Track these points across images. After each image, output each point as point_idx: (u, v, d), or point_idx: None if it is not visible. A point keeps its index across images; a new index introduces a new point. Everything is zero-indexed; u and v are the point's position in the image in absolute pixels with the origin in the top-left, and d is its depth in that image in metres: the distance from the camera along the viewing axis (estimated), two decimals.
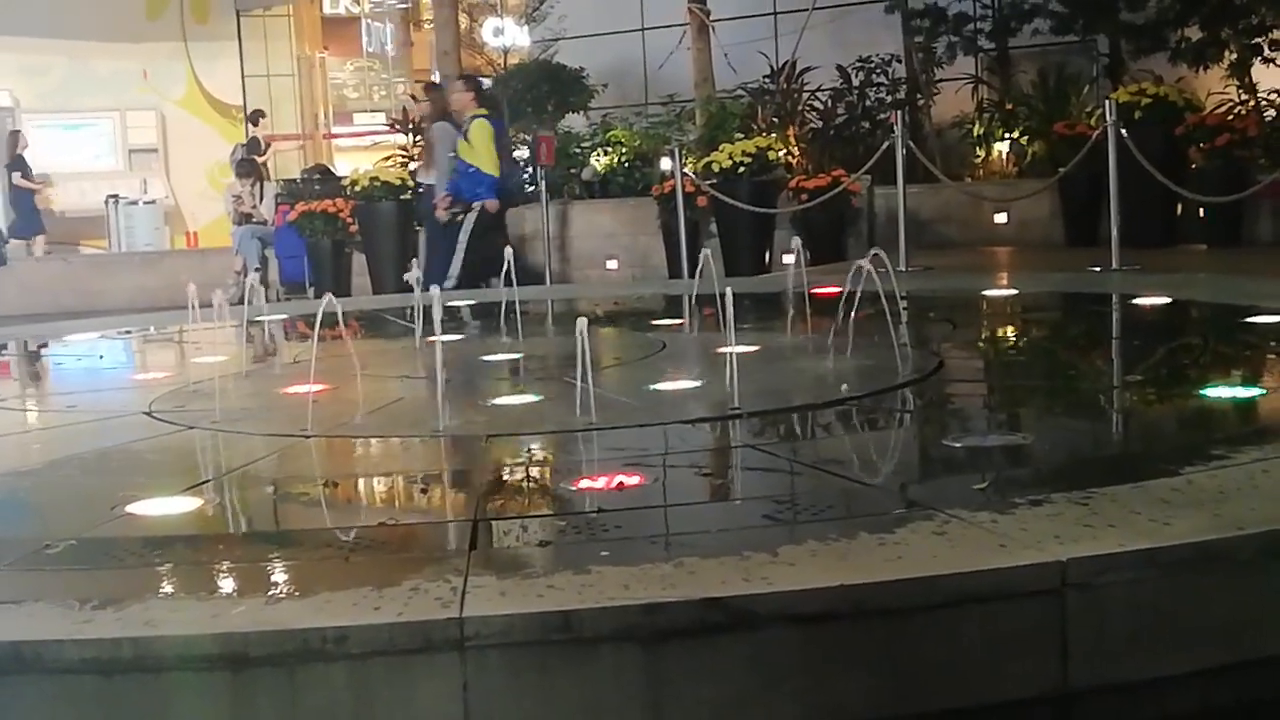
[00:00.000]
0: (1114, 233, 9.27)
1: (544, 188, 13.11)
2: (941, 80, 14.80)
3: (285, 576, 2.80)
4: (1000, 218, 12.52)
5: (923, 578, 2.51)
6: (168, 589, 2.68)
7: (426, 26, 21.14)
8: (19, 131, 18.08)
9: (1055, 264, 10.08)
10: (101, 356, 8.18)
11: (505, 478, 3.95)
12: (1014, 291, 8.49)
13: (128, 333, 9.17)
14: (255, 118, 18.79)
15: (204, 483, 3.98)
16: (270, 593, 2.58)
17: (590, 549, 2.85)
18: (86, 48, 19.37)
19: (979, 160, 14.34)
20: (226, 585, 2.71)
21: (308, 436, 4.48)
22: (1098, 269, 9.12)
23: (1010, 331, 7.52)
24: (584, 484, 3.62)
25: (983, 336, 7.23)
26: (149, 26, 20.00)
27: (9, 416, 5.79)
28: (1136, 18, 13.38)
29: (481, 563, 2.73)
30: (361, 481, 4.12)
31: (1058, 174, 10.86)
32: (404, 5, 21.86)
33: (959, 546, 2.66)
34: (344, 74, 23.49)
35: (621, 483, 3.52)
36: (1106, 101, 9.97)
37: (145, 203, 18.48)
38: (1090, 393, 5.14)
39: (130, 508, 3.48)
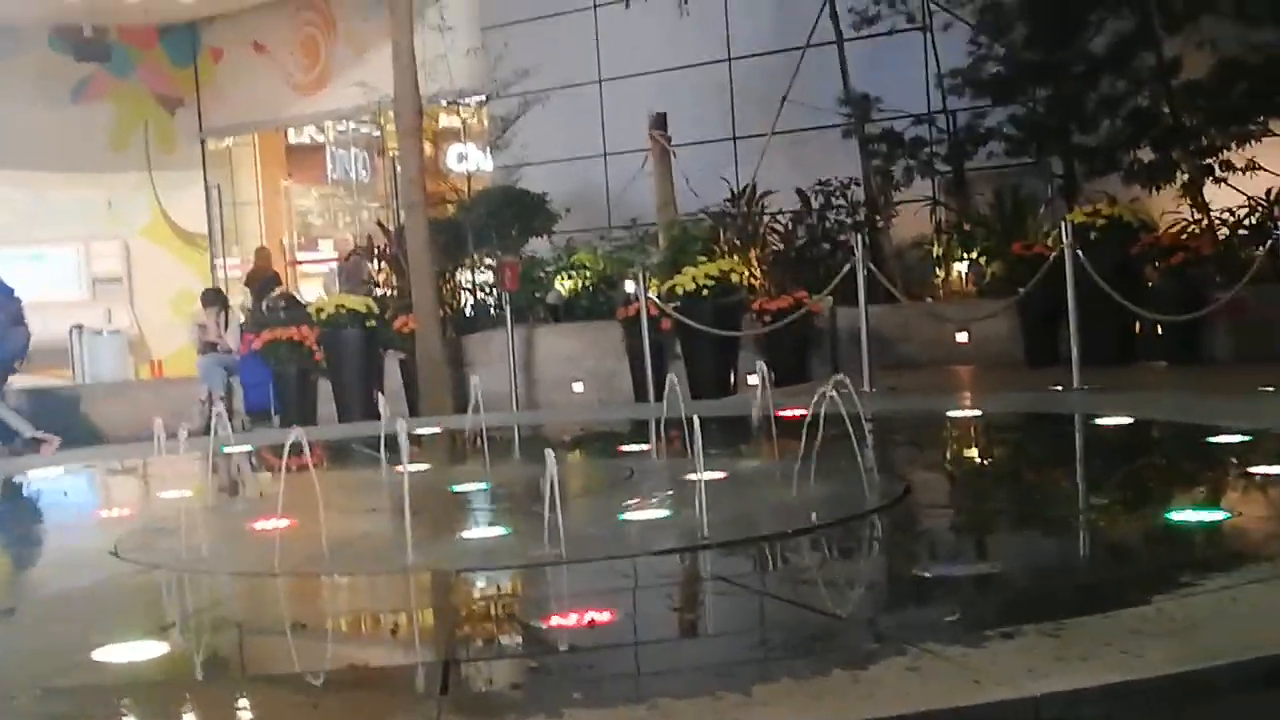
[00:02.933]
0: (1074, 351, 9.37)
1: (509, 313, 13.15)
2: (900, 202, 15.02)
3: None
4: (961, 337, 12.63)
5: (898, 716, 2.50)
6: None
7: (392, 153, 21.34)
8: None
9: (1017, 383, 10.16)
10: (65, 493, 8.12)
11: (475, 615, 3.92)
12: (977, 412, 8.55)
13: (91, 467, 9.10)
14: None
15: (170, 626, 3.94)
16: None
17: (563, 690, 2.81)
18: (50, 179, 19.47)
19: (939, 280, 14.50)
20: None
21: (275, 575, 4.44)
22: (1059, 388, 9.20)
23: (975, 453, 7.56)
24: (555, 621, 3.59)
25: (948, 459, 7.26)
26: (113, 157, 20.14)
27: None
28: (1089, 140, 13.65)
29: (453, 707, 2.70)
30: (330, 621, 4.08)
31: (1017, 294, 10.98)
32: (372, 133, 22.08)
33: (932, 683, 2.65)
34: (309, 201, 23.64)
35: (593, 620, 3.51)
36: (1063, 222, 10.11)
37: (110, 332, 18.46)
38: (1057, 517, 5.16)
39: (96, 654, 3.43)
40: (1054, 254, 10.04)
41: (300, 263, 22.74)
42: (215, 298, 15.77)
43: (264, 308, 16.39)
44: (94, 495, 8.27)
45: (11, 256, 18.83)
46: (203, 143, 20.95)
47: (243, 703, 2.98)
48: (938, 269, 14.50)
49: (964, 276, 14.41)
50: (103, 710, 2.92)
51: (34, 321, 18.72)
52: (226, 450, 8.40)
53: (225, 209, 21.00)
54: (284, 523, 5.12)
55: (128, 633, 3.65)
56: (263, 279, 17.67)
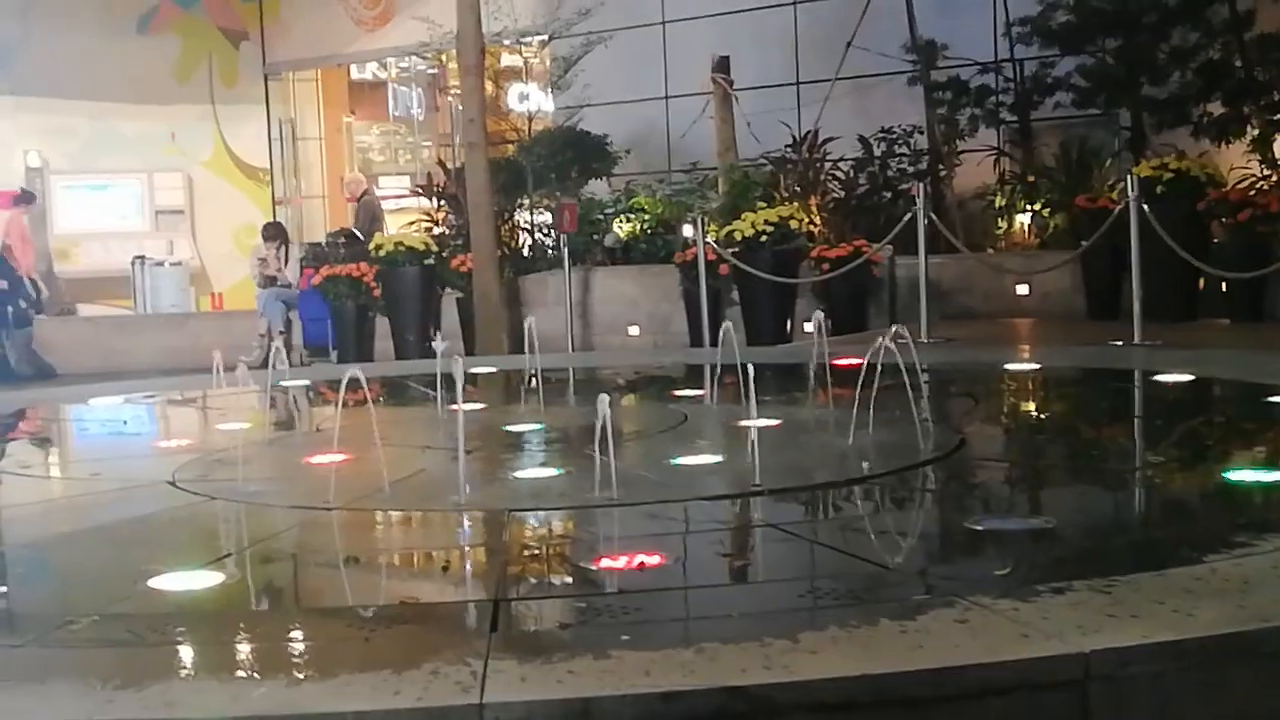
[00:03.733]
0: (1136, 306, 9.27)
1: (566, 254, 13.17)
2: (964, 152, 14.89)
3: (305, 657, 2.80)
4: (1022, 289, 12.53)
5: (945, 668, 2.50)
6: (189, 669, 2.68)
7: (453, 92, 21.33)
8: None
9: (1077, 337, 10.08)
10: (125, 422, 8.22)
11: (526, 555, 3.95)
12: (1036, 366, 8.48)
13: (151, 398, 9.21)
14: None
15: (225, 557, 3.98)
16: (290, 674, 2.58)
17: (611, 632, 2.83)
18: (114, 109, 19.59)
19: (1001, 232, 14.37)
20: (247, 665, 2.71)
21: (329, 509, 4.49)
22: (1119, 343, 9.10)
23: (1032, 407, 7.51)
24: (605, 563, 3.61)
25: (1005, 412, 7.22)
26: (178, 89, 20.23)
27: (32, 485, 5.82)
28: (1159, 92, 13.46)
29: (502, 645, 2.72)
30: (382, 557, 4.12)
31: (1080, 247, 10.87)
32: (432, 71, 22.06)
33: (981, 636, 2.64)
34: (370, 138, 23.69)
35: (642, 562, 3.52)
36: (1129, 175, 9.99)
37: (171, 264, 18.60)
38: (1113, 473, 5.12)
39: (153, 582, 3.49)
40: (1119, 207, 9.93)
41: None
42: (276, 232, 15.90)
43: (324, 243, 16.50)
44: (153, 426, 8.37)
45: (77, 186, 19.06)
46: (266, 77, 21.00)
47: (295, 633, 3.02)
48: (1000, 220, 14.37)
49: (1027, 228, 14.28)
50: (158, 637, 2.96)
51: (97, 251, 19.02)
52: (285, 384, 8.48)
53: (284, 144, 21.07)
54: (340, 458, 5.17)
55: (184, 562, 3.70)
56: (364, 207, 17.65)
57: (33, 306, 15.68)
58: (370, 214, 17.05)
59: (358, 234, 16.04)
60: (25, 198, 17.64)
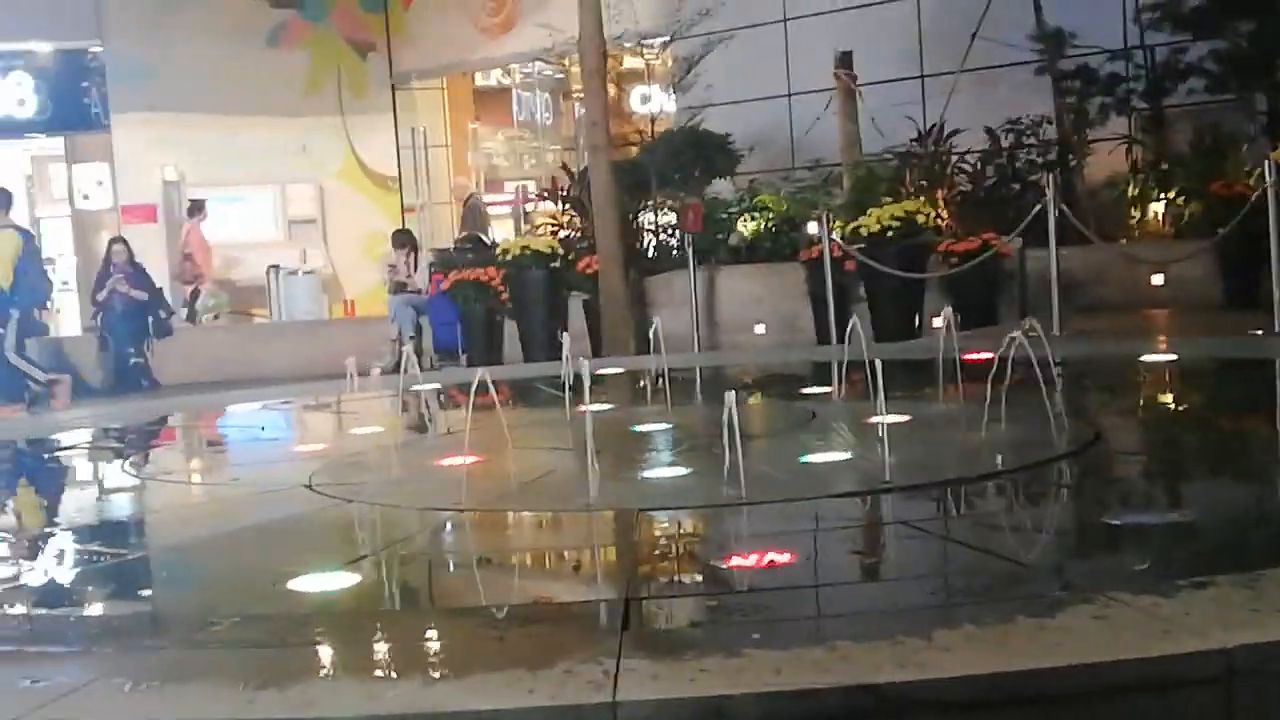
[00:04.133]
0: (1276, 294, 9.03)
1: (691, 254, 13.16)
2: (1094, 141, 14.58)
3: (440, 656, 2.84)
4: (1157, 279, 12.25)
5: (1083, 665, 2.45)
6: (327, 669, 2.73)
7: (576, 96, 21.45)
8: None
9: (1214, 327, 9.83)
10: (263, 428, 8.40)
11: (656, 554, 3.96)
12: (1173, 357, 8.28)
13: (288, 404, 9.40)
14: None
15: (361, 558, 4.05)
16: (426, 673, 2.61)
17: (742, 631, 2.83)
18: (246, 123, 20.00)
19: (1134, 221, 14.07)
20: (383, 665, 2.76)
21: (461, 510, 4.54)
22: (1259, 332, 8.87)
23: (1169, 399, 7.35)
24: (735, 561, 3.60)
25: (1141, 405, 7.07)
26: (307, 101, 20.60)
27: (176, 490, 5.98)
28: None
29: (633, 644, 2.72)
30: (514, 557, 4.16)
31: (1216, 235, 10.61)
32: (556, 76, 22.20)
33: (1120, 632, 2.59)
34: (495, 143, 23.91)
35: (772, 560, 3.51)
36: (1266, 161, 9.74)
37: (305, 272, 18.97)
38: (1254, 466, 4.99)
39: (292, 584, 3.56)
40: (1256, 194, 9.68)
41: (488, 205, 23.02)
42: (405, 239, 16.11)
43: (452, 249, 16.69)
44: (290, 431, 8.54)
45: (214, 198, 19.52)
46: (393, 87, 21.29)
47: (431, 633, 3.06)
48: (1133, 209, 14.06)
49: (1160, 217, 13.96)
50: (297, 638, 3.02)
51: (234, 261, 19.47)
52: (416, 388, 8.59)
53: (416, 152, 21.34)
54: (471, 460, 5.23)
55: (322, 564, 3.77)
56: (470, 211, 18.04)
57: (171, 317, 16.07)
58: (476, 216, 17.27)
59: (484, 238, 16.21)
60: (197, 206, 18.21)
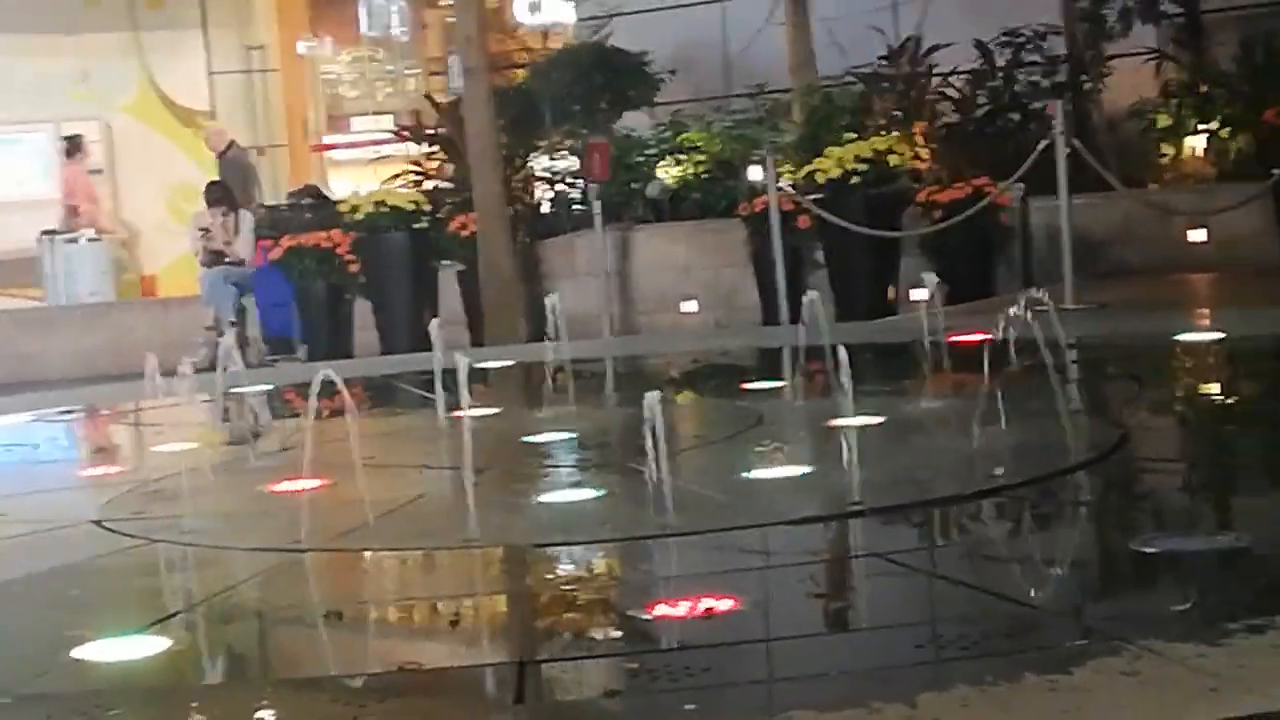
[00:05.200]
0: None
1: (598, 210, 13.11)
2: (1114, 57, 14.77)
3: None
4: (1197, 235, 12.44)
5: None
6: None
7: (442, 3, 21.39)
8: None
9: (1271, 296, 9.99)
10: (37, 446, 8.30)
11: (557, 603, 3.96)
12: (1218, 335, 8.41)
13: (69, 413, 9.29)
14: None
15: (171, 616, 4.02)
16: None
17: (671, 701, 2.85)
18: (5, 43, 19.64)
19: (1166, 161, 14.27)
20: None
21: (302, 550, 4.52)
22: None
23: (1214, 390, 7.47)
24: (660, 610, 3.62)
25: (1178, 398, 7.18)
26: (88, 15, 20.30)
27: None
28: None
29: None
30: (372, 610, 4.15)
31: (1270, 177, 10.78)
32: None
33: (1155, 692, 2.63)
34: (339, 67, 23.72)
35: (710, 608, 3.53)
36: None
37: (89, 240, 18.65)
38: None
39: (79, 651, 3.52)
40: None
41: (329, 147, 22.85)
42: (222, 194, 15.88)
43: (284, 206, 16.54)
44: (72, 449, 8.45)
45: None
46: None
47: (265, 712, 3.05)
48: (1165, 145, 14.26)
49: (1200, 154, 14.17)
50: None
51: None
52: (239, 390, 8.53)
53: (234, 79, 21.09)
54: (313, 484, 5.20)
55: (118, 625, 3.74)
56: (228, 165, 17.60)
57: None
58: (240, 173, 16.78)
59: (325, 192, 16.06)
60: (75, 145, 18.15)
